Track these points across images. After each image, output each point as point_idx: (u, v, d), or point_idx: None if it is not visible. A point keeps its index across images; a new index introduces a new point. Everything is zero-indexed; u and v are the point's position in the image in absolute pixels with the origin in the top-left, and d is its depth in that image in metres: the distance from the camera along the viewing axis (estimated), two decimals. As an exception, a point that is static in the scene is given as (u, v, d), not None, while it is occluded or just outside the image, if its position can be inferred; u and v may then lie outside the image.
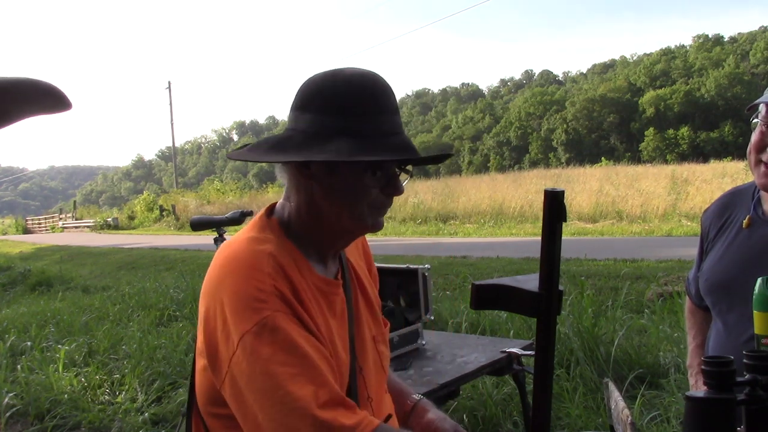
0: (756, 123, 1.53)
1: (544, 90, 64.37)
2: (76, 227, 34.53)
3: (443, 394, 2.43)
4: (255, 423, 1.05)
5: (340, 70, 1.16)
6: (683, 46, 62.91)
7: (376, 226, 1.20)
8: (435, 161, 1.26)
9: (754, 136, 1.53)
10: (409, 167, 1.22)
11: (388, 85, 1.17)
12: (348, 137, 1.10)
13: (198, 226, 3.88)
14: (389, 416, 1.19)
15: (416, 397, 1.36)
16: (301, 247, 1.20)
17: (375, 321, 1.33)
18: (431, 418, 1.28)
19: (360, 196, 1.15)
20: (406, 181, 1.22)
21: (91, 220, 34.16)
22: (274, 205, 1.27)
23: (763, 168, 1.51)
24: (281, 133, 1.18)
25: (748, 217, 1.60)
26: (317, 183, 1.16)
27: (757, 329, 1.12)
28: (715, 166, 23.21)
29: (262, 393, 1.03)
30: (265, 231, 1.19)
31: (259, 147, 1.18)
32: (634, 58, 74.63)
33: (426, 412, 1.31)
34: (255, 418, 1.05)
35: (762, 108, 1.51)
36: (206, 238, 4.40)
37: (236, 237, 1.21)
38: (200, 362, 1.16)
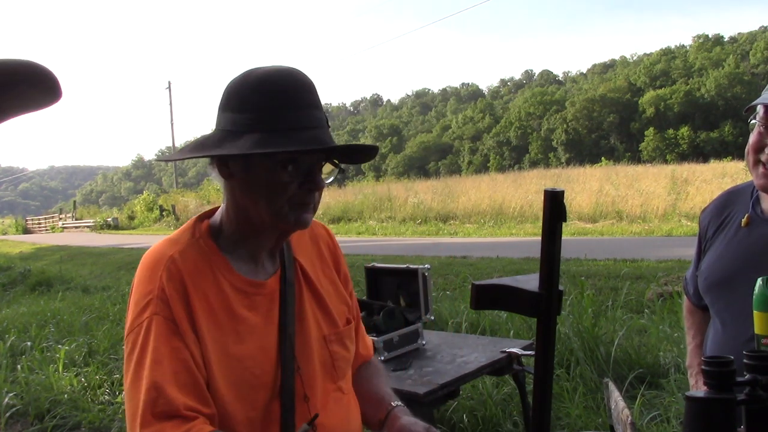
0: (754, 124, 1.54)
1: (544, 90, 64.34)
2: (76, 227, 34.54)
3: (443, 394, 2.43)
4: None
5: (257, 68, 1.19)
6: (683, 46, 62.89)
7: (299, 223, 1.20)
8: (360, 156, 1.24)
9: (752, 137, 1.53)
10: (336, 160, 1.22)
11: (306, 80, 1.18)
12: (258, 132, 1.12)
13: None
14: (315, 416, 1.19)
15: (393, 404, 1.35)
16: (228, 248, 1.24)
17: (328, 320, 1.33)
18: (403, 423, 1.28)
19: (277, 191, 1.16)
20: (332, 178, 1.23)
21: (91, 220, 34.17)
22: (216, 209, 1.30)
23: (761, 168, 1.51)
24: (209, 133, 1.22)
25: (746, 215, 1.61)
26: (237, 180, 1.19)
27: (757, 329, 1.12)
28: (715, 166, 23.20)
29: (125, 392, 1.14)
30: (184, 233, 1.25)
31: (187, 147, 1.23)
32: (634, 58, 74.63)
33: (398, 418, 1.30)
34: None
35: (760, 109, 1.51)
36: (206, 238, 4.40)
37: (164, 238, 1.27)
38: None
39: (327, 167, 1.21)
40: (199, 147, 1.19)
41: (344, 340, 1.34)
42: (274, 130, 1.12)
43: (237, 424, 1.17)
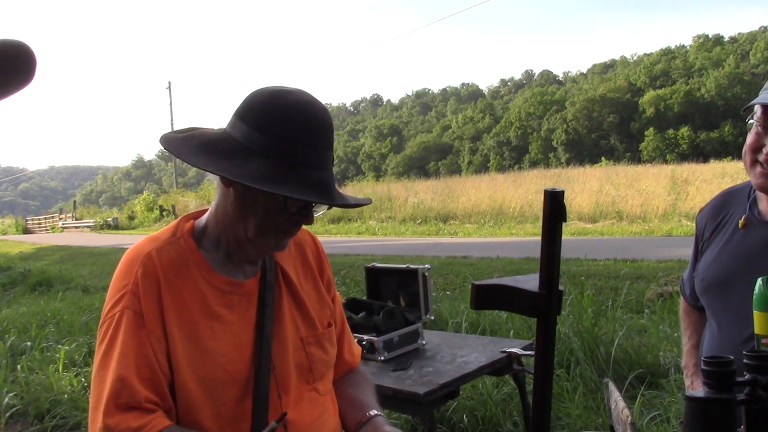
0: (751, 124, 1.54)
1: (544, 90, 64.32)
2: (76, 227, 34.53)
3: (443, 394, 2.43)
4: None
5: (286, 91, 1.18)
6: (683, 46, 62.89)
7: (278, 248, 1.26)
8: (345, 207, 1.25)
9: (750, 137, 1.53)
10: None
11: (328, 119, 1.19)
12: (270, 160, 1.13)
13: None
14: (284, 414, 1.21)
15: (373, 412, 1.37)
16: (209, 249, 1.27)
17: (307, 323, 1.35)
18: (387, 431, 1.30)
19: (269, 216, 1.19)
20: (321, 213, 1.26)
21: (91, 220, 34.17)
22: (204, 211, 1.33)
23: (759, 168, 1.51)
24: (217, 132, 1.22)
25: (744, 217, 1.61)
26: (235, 192, 1.21)
27: (757, 329, 1.12)
28: (714, 166, 23.19)
29: (91, 382, 1.20)
30: (165, 232, 1.29)
31: (192, 139, 1.21)
32: (634, 58, 74.56)
33: (381, 426, 1.32)
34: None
35: (757, 109, 1.51)
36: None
37: (147, 236, 1.31)
38: None
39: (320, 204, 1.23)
40: (207, 148, 1.18)
41: (323, 343, 1.37)
42: (285, 162, 1.13)
43: (204, 418, 1.20)
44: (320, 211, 1.25)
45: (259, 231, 1.21)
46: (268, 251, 1.29)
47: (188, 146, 1.20)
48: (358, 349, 1.54)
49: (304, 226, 1.29)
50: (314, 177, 1.15)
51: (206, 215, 1.31)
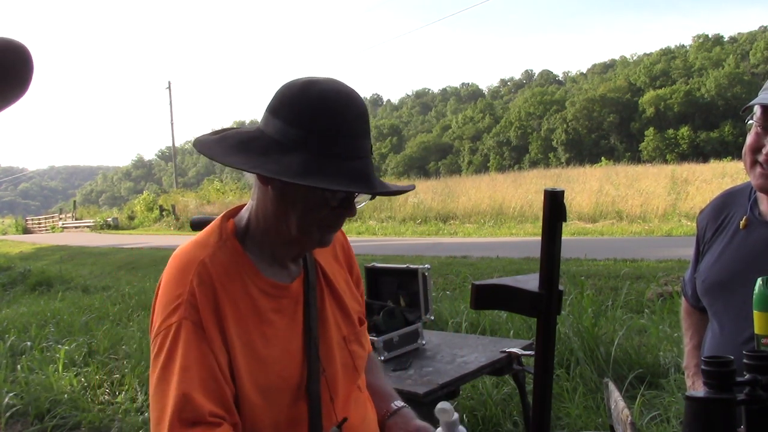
0: (751, 124, 1.53)
1: (544, 90, 64.31)
2: (76, 227, 34.52)
3: (443, 394, 2.43)
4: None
5: (317, 82, 1.15)
6: (683, 46, 62.90)
7: (323, 243, 1.22)
8: (387, 194, 1.22)
9: (749, 138, 1.53)
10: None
11: (362, 106, 1.16)
12: (306, 154, 1.10)
13: (198, 226, 3.86)
14: (344, 420, 1.20)
15: (399, 404, 1.37)
16: (253, 249, 1.23)
17: (347, 321, 1.34)
18: (419, 425, 1.30)
19: (310, 210, 1.16)
20: (364, 203, 1.23)
21: (91, 220, 34.15)
22: (242, 207, 1.29)
23: (759, 169, 1.51)
24: (251, 130, 1.18)
25: (744, 217, 1.61)
26: (273, 189, 1.17)
27: (757, 329, 1.12)
28: (714, 166, 23.19)
29: (150, 397, 1.13)
30: (211, 235, 1.23)
31: (225, 140, 1.18)
32: (634, 58, 74.54)
33: (412, 418, 1.32)
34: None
35: (757, 109, 1.51)
36: (206, 238, 4.40)
37: (189, 239, 1.26)
38: None
39: (362, 195, 1.20)
40: (241, 147, 1.15)
41: (361, 340, 1.36)
42: (323, 154, 1.10)
43: (264, 427, 1.17)
44: (362, 203, 1.21)
45: (302, 227, 1.17)
46: (313, 247, 1.26)
47: (222, 147, 1.17)
48: (368, 337, 1.55)
49: None
50: (352, 167, 1.11)
51: (245, 213, 1.26)
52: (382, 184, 1.17)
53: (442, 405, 1.16)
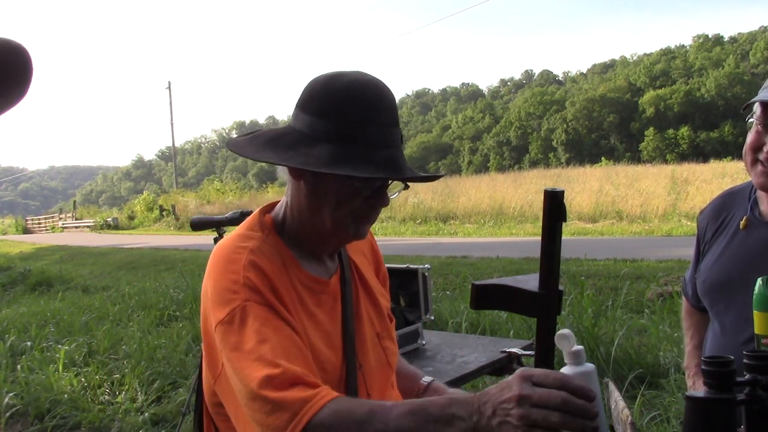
0: (752, 123, 1.53)
1: (544, 90, 64.31)
2: (76, 227, 34.53)
3: (443, 394, 2.43)
4: (236, 407, 1.11)
5: (343, 74, 1.17)
6: (683, 46, 62.88)
7: (358, 235, 1.22)
8: (423, 179, 1.22)
9: (750, 136, 1.53)
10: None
11: (390, 95, 1.17)
12: (335, 144, 1.11)
13: (198, 226, 3.87)
14: None
15: (428, 379, 1.41)
16: (292, 244, 1.23)
17: (379, 317, 1.35)
18: (454, 391, 1.35)
19: (343, 202, 1.16)
20: (398, 193, 1.23)
21: (91, 220, 34.16)
22: (276, 203, 1.30)
23: (760, 167, 1.51)
24: (281, 128, 1.20)
25: (745, 218, 1.60)
26: (305, 183, 1.18)
27: (757, 329, 1.12)
28: (714, 166, 23.19)
29: (233, 380, 1.07)
30: (253, 229, 1.23)
31: (257, 139, 1.21)
32: (634, 58, 74.53)
33: (444, 389, 1.38)
34: (237, 402, 1.09)
35: (757, 107, 1.50)
36: (206, 238, 4.38)
37: (229, 234, 1.26)
38: (204, 359, 1.20)
39: (395, 184, 1.21)
40: (271, 144, 1.17)
41: (393, 336, 1.38)
42: (352, 143, 1.11)
43: None
44: (396, 192, 1.22)
45: (336, 220, 1.17)
46: (349, 240, 1.26)
47: (253, 145, 1.19)
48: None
49: None
50: (381, 155, 1.12)
51: (280, 209, 1.27)
52: (412, 172, 1.17)
53: (563, 332, 1.00)
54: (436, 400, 0.95)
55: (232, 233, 1.25)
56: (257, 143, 1.19)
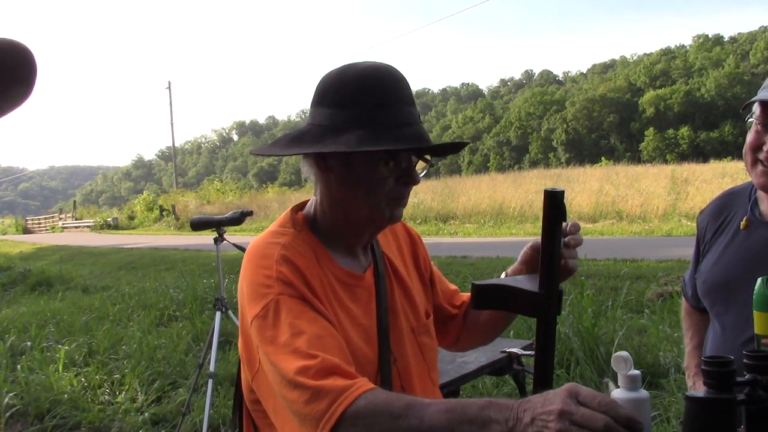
0: (751, 122, 1.53)
1: (544, 90, 64.34)
2: (76, 227, 34.52)
3: (443, 394, 2.43)
4: (274, 400, 1.11)
5: (353, 64, 1.20)
6: (683, 46, 62.91)
7: (393, 218, 1.24)
8: (448, 151, 1.27)
9: (750, 136, 1.53)
10: (428, 156, 1.25)
11: (401, 76, 1.20)
12: (360, 129, 1.14)
13: (198, 226, 3.88)
14: None
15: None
16: (325, 240, 1.25)
17: (414, 313, 1.35)
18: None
19: (375, 186, 1.18)
20: (424, 172, 1.26)
21: (91, 220, 34.15)
22: (306, 202, 1.32)
23: (760, 167, 1.51)
24: (301, 127, 1.23)
25: (745, 218, 1.60)
26: (335, 175, 1.20)
27: (757, 329, 1.12)
28: (715, 166, 23.19)
29: (270, 373, 1.08)
30: (286, 225, 1.25)
31: (280, 141, 1.24)
32: (634, 58, 74.59)
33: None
34: (274, 396, 1.10)
35: (756, 107, 1.50)
36: (206, 238, 4.39)
37: (263, 232, 1.27)
38: (242, 356, 1.22)
39: (420, 164, 1.24)
40: (295, 142, 1.20)
41: (430, 331, 1.38)
42: (374, 126, 1.14)
43: None
44: (423, 171, 1.25)
45: (371, 204, 1.19)
46: (385, 224, 1.27)
47: (279, 145, 1.23)
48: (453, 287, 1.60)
49: None
50: (405, 132, 1.15)
51: (311, 207, 1.29)
52: (440, 144, 1.21)
53: (621, 354, 0.95)
54: (475, 401, 0.95)
55: (264, 231, 1.27)
56: (281, 144, 1.22)
